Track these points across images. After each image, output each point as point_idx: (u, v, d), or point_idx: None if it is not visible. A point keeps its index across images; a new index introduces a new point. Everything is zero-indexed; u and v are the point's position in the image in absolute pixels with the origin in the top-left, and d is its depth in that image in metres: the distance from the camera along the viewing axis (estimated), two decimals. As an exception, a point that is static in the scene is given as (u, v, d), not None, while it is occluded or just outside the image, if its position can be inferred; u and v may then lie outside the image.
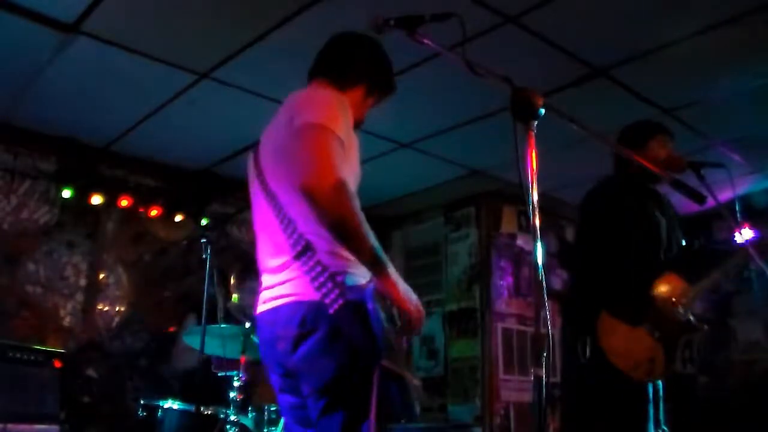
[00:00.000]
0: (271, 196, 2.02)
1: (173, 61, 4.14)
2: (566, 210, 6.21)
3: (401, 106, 4.72)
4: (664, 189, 3.15)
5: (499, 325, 6.15)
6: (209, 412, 3.81)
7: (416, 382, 2.02)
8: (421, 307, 1.93)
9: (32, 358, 4.24)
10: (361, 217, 1.81)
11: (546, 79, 4.20)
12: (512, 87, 1.66)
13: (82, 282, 5.30)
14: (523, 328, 6.28)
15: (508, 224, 6.47)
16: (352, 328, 1.81)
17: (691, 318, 2.87)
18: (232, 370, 3.87)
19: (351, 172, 1.98)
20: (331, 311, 1.81)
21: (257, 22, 3.76)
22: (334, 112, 1.92)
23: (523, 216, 6.46)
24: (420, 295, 1.99)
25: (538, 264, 1.55)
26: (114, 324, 5.41)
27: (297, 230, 1.92)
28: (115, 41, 3.92)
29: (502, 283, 6.30)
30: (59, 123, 5.00)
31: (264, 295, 2.02)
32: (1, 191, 5.03)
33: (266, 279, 2.04)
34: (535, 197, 1.59)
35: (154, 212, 5.60)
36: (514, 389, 6.08)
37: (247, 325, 3.90)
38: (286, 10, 3.64)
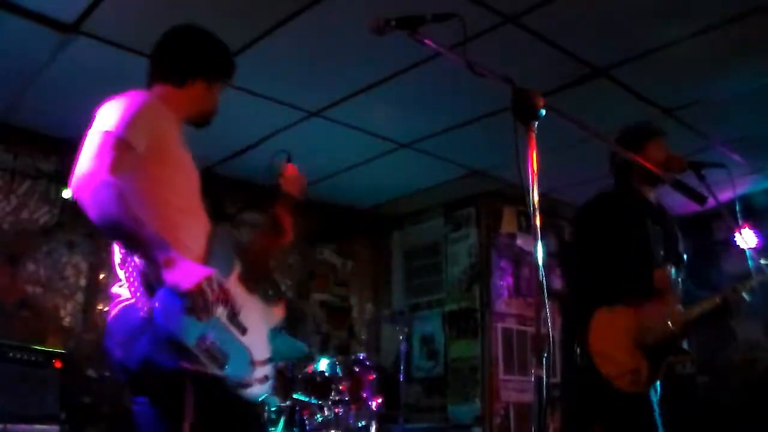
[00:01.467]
0: None
1: (173, 61, 4.14)
2: (566, 210, 6.21)
3: (401, 106, 4.73)
4: (663, 196, 3.13)
5: (499, 325, 6.15)
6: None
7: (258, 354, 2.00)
8: (207, 282, 1.80)
9: (32, 358, 4.23)
10: (128, 213, 1.77)
11: (546, 79, 4.20)
12: (513, 87, 1.66)
13: (82, 282, 5.30)
14: (523, 328, 6.28)
15: (508, 224, 6.48)
16: (157, 332, 1.80)
17: (681, 341, 2.82)
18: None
19: (171, 174, 2.02)
20: (142, 314, 1.82)
21: (257, 22, 3.76)
22: (128, 115, 1.94)
23: (523, 216, 6.47)
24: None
25: (538, 264, 1.56)
26: (114, 324, 5.40)
27: None
28: (115, 41, 3.92)
29: (502, 283, 6.31)
30: (59, 123, 4.99)
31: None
32: (1, 191, 5.03)
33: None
34: (536, 197, 1.60)
35: (153, 212, 5.59)
36: (514, 389, 6.08)
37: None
38: (286, 10, 3.64)
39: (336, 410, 4.07)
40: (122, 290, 1.95)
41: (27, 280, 5.03)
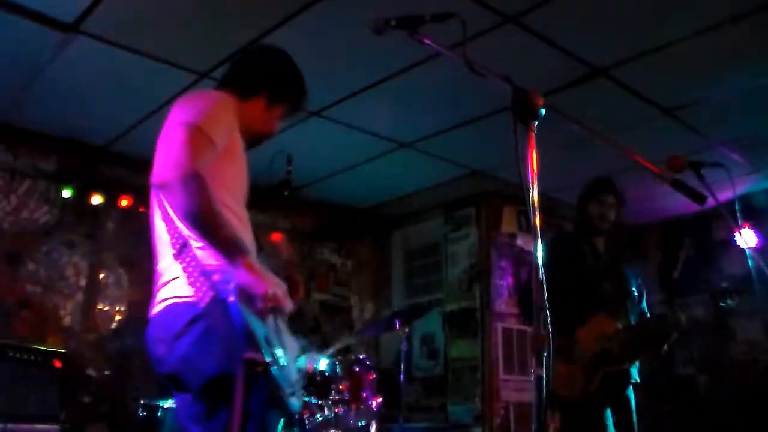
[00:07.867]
0: (157, 195, 2.04)
1: (173, 61, 4.14)
2: (566, 210, 6.20)
3: (401, 106, 4.73)
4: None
5: (499, 325, 6.15)
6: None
7: (294, 373, 2.04)
8: (279, 289, 1.91)
9: (32, 358, 4.23)
10: (213, 208, 1.83)
11: (546, 79, 4.20)
12: (513, 87, 1.66)
13: (82, 282, 5.30)
14: (523, 328, 6.28)
15: (508, 224, 6.47)
16: (220, 323, 1.83)
17: (620, 357, 3.20)
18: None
19: (232, 175, 2.07)
20: (201, 306, 1.86)
21: (257, 22, 3.76)
22: (210, 112, 1.97)
23: (523, 216, 6.47)
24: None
25: (538, 264, 1.56)
26: (114, 324, 5.41)
27: (176, 227, 1.96)
28: (115, 41, 3.92)
29: (502, 283, 6.31)
30: (59, 123, 5.00)
31: (156, 297, 2.03)
32: (1, 191, 5.03)
33: (157, 280, 2.05)
34: (535, 197, 1.60)
35: (154, 212, 5.59)
36: (514, 389, 6.08)
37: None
38: (286, 10, 3.64)
39: (336, 410, 4.07)
40: (167, 284, 1.94)
41: (27, 280, 5.04)
